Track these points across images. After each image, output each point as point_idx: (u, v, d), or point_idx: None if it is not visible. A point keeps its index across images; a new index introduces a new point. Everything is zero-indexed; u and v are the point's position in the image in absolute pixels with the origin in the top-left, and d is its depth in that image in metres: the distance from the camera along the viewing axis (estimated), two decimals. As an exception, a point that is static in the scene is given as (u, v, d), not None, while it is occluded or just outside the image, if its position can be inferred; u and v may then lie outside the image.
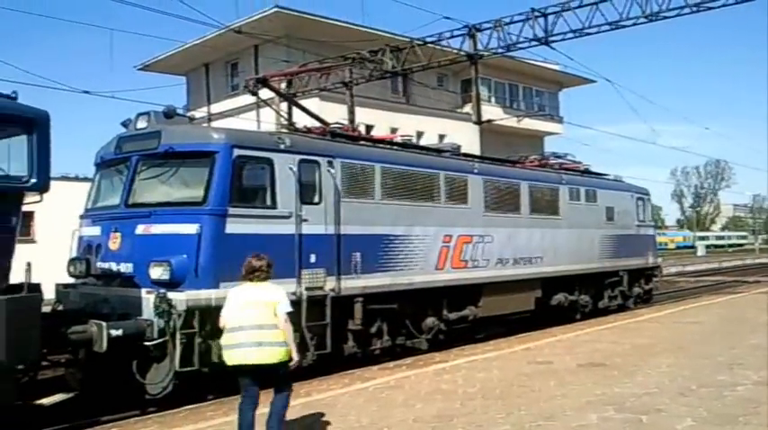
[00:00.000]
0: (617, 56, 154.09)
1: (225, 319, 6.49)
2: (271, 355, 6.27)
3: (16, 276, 7.78)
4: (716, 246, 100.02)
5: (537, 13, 20.61)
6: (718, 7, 18.56)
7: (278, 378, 6.44)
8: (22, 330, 7.44)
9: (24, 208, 8.10)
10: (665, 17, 19.24)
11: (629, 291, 20.46)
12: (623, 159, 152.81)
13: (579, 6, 20.09)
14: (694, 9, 18.68)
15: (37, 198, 8.00)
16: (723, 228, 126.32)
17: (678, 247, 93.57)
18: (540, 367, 10.85)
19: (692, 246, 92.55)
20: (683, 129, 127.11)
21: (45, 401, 9.83)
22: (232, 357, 6.35)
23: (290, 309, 6.55)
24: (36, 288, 7.90)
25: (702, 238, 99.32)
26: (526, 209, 16.11)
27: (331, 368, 11.01)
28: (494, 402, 8.46)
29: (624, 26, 19.79)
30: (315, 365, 10.86)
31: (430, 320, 13.44)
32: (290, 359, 6.45)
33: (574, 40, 20.71)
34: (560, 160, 19.54)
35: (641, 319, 16.96)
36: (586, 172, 20.05)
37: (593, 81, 42.83)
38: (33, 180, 7.71)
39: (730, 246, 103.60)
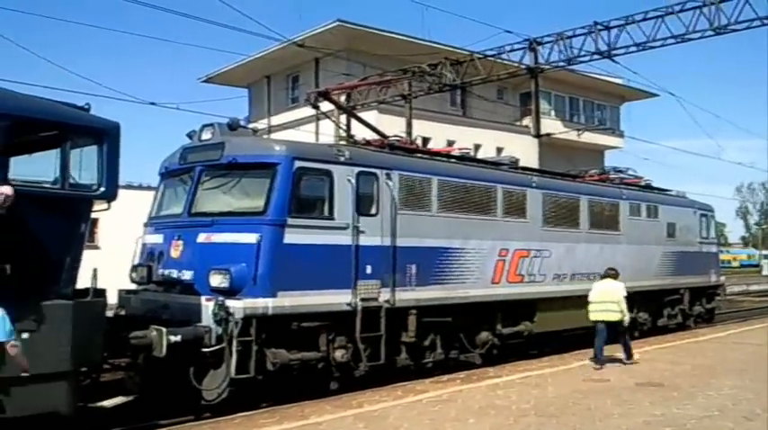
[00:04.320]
0: (681, 69, 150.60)
1: (591, 297, 12.89)
2: (610, 316, 12.61)
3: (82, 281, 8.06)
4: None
5: (600, 27, 20.35)
6: (789, 19, 18.04)
7: (617, 329, 12.75)
8: (87, 334, 7.70)
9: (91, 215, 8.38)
10: (734, 30, 18.76)
11: (690, 309, 19.96)
12: (686, 175, 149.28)
13: (644, 20, 19.75)
14: (765, 21, 18.17)
15: (105, 206, 8.27)
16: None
17: (742, 266, 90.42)
18: (596, 385, 10.68)
19: (757, 265, 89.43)
20: (749, 143, 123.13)
21: (105, 403, 10.11)
22: (592, 316, 12.81)
23: (625, 293, 12.79)
24: (101, 293, 8.16)
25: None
26: (585, 224, 15.90)
27: (384, 380, 11.03)
28: (548, 419, 8.35)
29: (691, 39, 19.36)
30: (368, 376, 10.92)
31: (484, 334, 13.34)
32: (621, 321, 12.69)
33: (637, 53, 20.40)
34: (621, 175, 19.23)
35: (702, 339, 16.54)
36: (648, 187, 19.67)
37: (655, 95, 42.00)
38: (102, 189, 7.98)
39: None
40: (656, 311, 18.63)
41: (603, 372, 11.88)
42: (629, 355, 12.97)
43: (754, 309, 29.51)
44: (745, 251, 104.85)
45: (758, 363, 12.78)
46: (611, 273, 13.23)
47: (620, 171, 19.57)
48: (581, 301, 15.45)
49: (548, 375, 11.63)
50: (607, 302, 12.69)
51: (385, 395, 10.05)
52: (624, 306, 12.63)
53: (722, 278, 22.62)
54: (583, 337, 15.88)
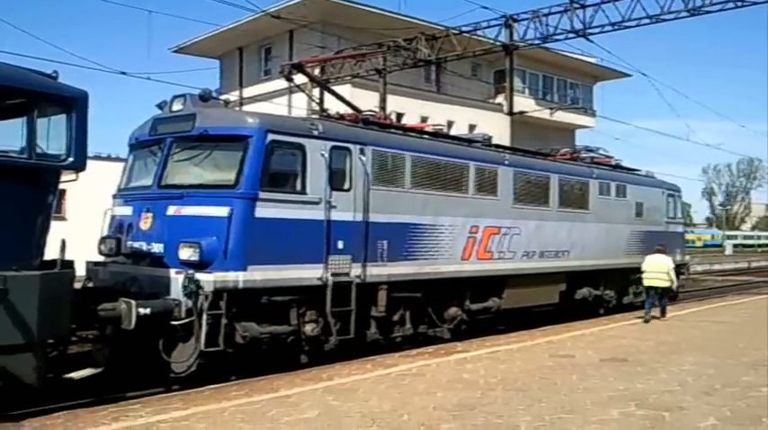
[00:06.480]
0: (654, 50, 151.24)
1: (644, 267, 16.06)
2: (660, 282, 15.84)
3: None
4: (744, 246, 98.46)
5: (576, 5, 20.40)
6: (763, 2, 18.26)
7: (664, 294, 16.26)
8: (55, 305, 7.61)
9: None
10: (708, 12, 18.95)
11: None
12: (656, 155, 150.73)
13: (620, -1, 19.84)
14: (738, 4, 18.36)
15: (72, 177, 8.14)
16: (753, 228, 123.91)
17: (706, 246, 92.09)
18: (562, 360, 10.85)
19: (721, 245, 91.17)
20: (718, 126, 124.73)
21: (73, 375, 10.05)
22: (645, 282, 16.07)
23: (672, 265, 16.10)
24: (69, 265, 8.06)
25: (731, 237, 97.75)
26: (555, 202, 16.06)
27: (354, 354, 11.11)
28: (515, 393, 8.49)
29: (665, 20, 19.51)
30: (337, 351, 10.98)
31: (453, 310, 13.47)
32: (670, 288, 16.30)
33: (611, 33, 20.52)
34: (592, 154, 19.39)
35: (666, 317, 16.83)
36: (617, 167, 19.87)
37: (628, 75, 42.27)
38: (71, 159, 7.83)
39: (759, 246, 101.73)
40: (622, 289, 18.95)
41: (570, 348, 12.05)
42: (664, 314, 16.20)
43: (717, 288, 30.14)
44: (709, 231, 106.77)
45: (719, 340, 13.09)
46: (660, 248, 16.42)
47: (591, 150, 19.74)
48: (549, 278, 15.75)
49: (515, 350, 11.79)
50: (656, 272, 15.83)
51: (355, 368, 10.12)
52: (673, 275, 15.95)
53: (687, 257, 23.03)
54: (550, 314, 16.16)
